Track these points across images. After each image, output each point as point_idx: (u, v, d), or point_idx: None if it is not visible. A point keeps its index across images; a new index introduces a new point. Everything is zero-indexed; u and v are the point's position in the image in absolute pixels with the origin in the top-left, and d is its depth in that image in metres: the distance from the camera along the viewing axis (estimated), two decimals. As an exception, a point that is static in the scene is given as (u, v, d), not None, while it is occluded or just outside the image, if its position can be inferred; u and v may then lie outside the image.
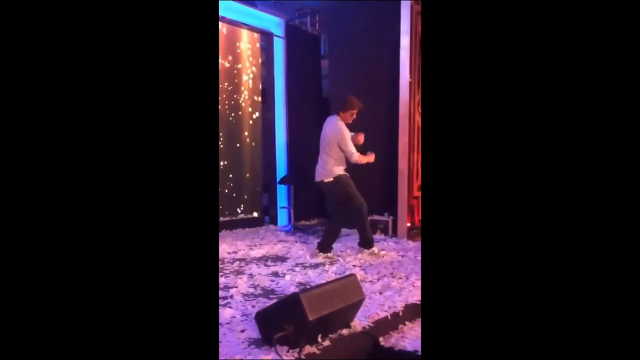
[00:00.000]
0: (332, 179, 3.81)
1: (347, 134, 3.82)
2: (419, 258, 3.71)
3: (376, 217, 4.89)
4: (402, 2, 4.55)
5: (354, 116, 3.86)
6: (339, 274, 3.16)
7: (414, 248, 4.17)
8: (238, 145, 5.41)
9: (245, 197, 5.53)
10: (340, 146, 3.78)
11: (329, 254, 3.82)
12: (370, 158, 3.91)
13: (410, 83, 4.59)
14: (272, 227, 5.60)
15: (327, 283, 2.14)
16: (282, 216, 5.75)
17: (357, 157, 3.82)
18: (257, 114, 5.66)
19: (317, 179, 3.88)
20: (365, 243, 3.90)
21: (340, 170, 3.84)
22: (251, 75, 5.56)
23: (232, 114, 5.32)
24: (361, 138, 3.92)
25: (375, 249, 3.88)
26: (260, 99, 5.70)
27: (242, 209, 5.47)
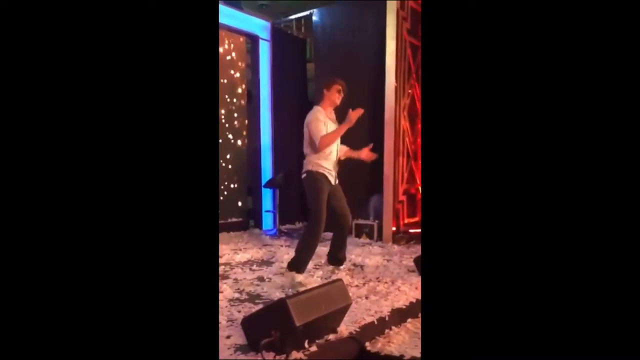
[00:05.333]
0: (305, 173, 3.26)
1: (317, 120, 3.19)
2: (405, 262, 3.72)
3: (361, 221, 4.91)
4: (387, 7, 4.58)
5: (341, 93, 3.28)
6: (325, 278, 3.15)
7: (399, 252, 4.19)
8: (223, 148, 5.37)
9: (230, 200, 5.49)
10: (309, 132, 3.20)
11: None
12: (333, 135, 3.18)
13: (396, 88, 4.62)
14: (256, 230, 5.57)
15: (314, 288, 2.13)
16: (267, 220, 5.72)
17: (318, 141, 3.14)
18: (242, 116, 5.64)
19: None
20: (294, 265, 3.21)
21: (314, 165, 3.21)
22: (237, 76, 5.54)
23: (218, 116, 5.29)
24: (354, 115, 3.11)
25: (301, 278, 3.13)
26: (245, 101, 5.68)
27: (226, 212, 5.43)
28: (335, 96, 3.28)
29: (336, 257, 3.48)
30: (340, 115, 3.40)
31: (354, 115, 3.11)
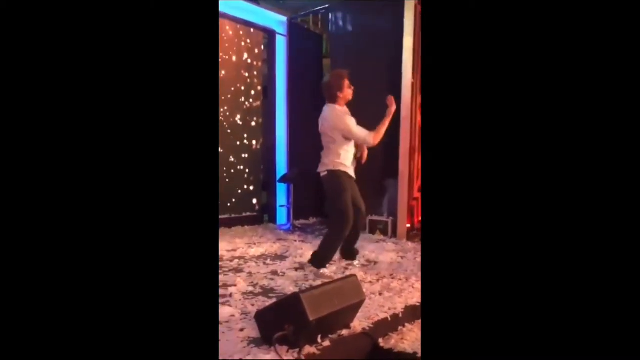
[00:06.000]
0: (325, 172, 3.24)
1: (351, 120, 3.20)
2: (419, 260, 3.70)
3: (375, 218, 4.89)
4: (405, 3, 4.54)
5: (352, 87, 3.28)
6: (339, 274, 3.15)
7: (413, 249, 4.17)
8: (238, 142, 5.40)
9: (245, 194, 5.51)
10: (348, 137, 3.19)
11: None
12: (382, 129, 3.26)
13: (412, 84, 4.59)
14: (271, 225, 5.59)
15: (328, 283, 2.13)
16: (281, 215, 5.74)
17: (372, 138, 3.21)
18: (258, 116, 5.65)
19: (318, 170, 3.33)
20: (316, 260, 3.19)
21: (335, 165, 3.20)
22: (254, 72, 5.55)
23: (233, 111, 5.30)
24: (391, 103, 3.29)
25: (326, 271, 3.16)
26: (260, 101, 5.69)
27: (240, 206, 5.45)
28: (347, 92, 3.27)
29: (350, 251, 3.50)
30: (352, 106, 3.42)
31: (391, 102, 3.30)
